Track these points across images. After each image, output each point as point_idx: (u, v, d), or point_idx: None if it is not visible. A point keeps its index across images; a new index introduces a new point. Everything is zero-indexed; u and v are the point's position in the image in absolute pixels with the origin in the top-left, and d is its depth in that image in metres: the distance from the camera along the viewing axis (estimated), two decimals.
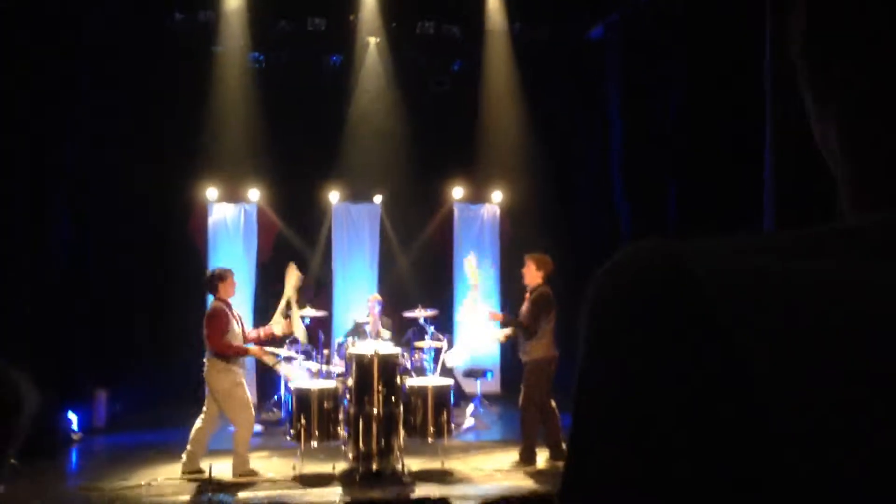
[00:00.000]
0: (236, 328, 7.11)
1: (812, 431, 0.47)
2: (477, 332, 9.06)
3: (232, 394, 6.94)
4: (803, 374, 0.47)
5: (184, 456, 7.04)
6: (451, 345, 9.07)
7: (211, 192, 11.28)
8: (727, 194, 7.69)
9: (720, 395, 0.48)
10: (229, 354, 6.95)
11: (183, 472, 7.01)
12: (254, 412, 7.27)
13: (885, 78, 0.58)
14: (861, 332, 0.48)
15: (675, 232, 8.95)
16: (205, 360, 7.04)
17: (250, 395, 10.28)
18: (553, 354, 7.28)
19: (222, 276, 7.16)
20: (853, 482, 0.46)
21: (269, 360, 7.72)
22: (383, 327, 9.52)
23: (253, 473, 7.06)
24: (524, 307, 7.39)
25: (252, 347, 7.25)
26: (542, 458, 7.43)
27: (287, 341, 9.08)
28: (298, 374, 8.21)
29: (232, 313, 7.13)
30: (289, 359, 8.49)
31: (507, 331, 7.72)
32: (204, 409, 7.07)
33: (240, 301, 10.94)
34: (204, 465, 7.03)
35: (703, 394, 0.49)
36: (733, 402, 0.48)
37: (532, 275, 7.43)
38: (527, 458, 7.36)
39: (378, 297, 9.92)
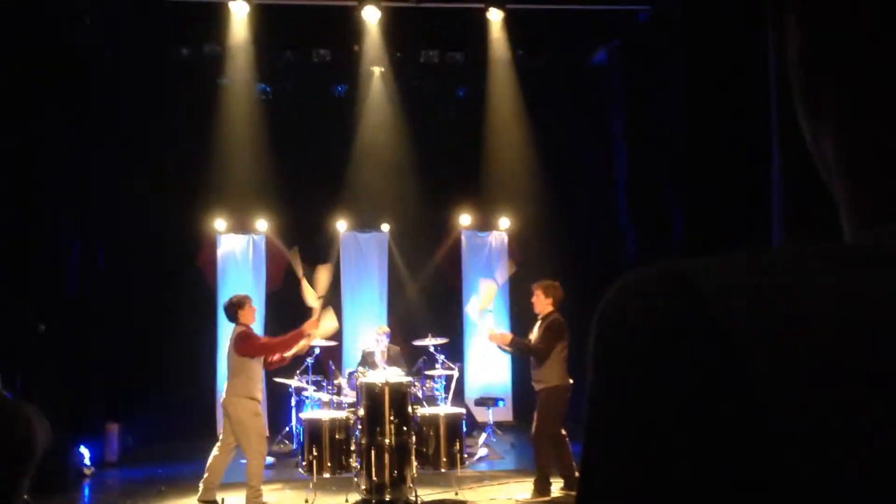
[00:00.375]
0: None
1: (812, 432, 0.47)
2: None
3: (250, 424, 6.92)
4: (803, 376, 0.48)
5: (201, 485, 7.01)
6: (461, 373, 9.03)
7: (219, 224, 11.33)
8: (733, 218, 7.68)
9: (722, 400, 0.49)
10: (285, 350, 7.09)
11: (199, 501, 6.98)
12: (267, 447, 7.25)
13: (880, 91, 0.58)
14: (861, 334, 0.48)
15: (681, 255, 8.93)
16: (225, 388, 7.03)
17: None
18: (567, 383, 7.22)
19: (240, 304, 7.17)
20: (853, 482, 0.46)
21: (322, 328, 7.53)
22: (391, 356, 9.41)
23: None
24: (536, 335, 7.35)
25: (297, 331, 7.22)
26: (557, 487, 7.37)
27: (297, 372, 9.08)
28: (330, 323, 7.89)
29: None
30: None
31: (506, 336, 7.55)
32: (220, 437, 7.05)
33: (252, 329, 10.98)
34: (217, 496, 7.00)
35: (706, 399, 0.49)
36: (734, 404, 0.48)
37: (542, 303, 7.39)
38: (541, 489, 7.28)
39: (385, 328, 9.77)
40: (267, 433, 7.17)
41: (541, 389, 7.25)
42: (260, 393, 7.05)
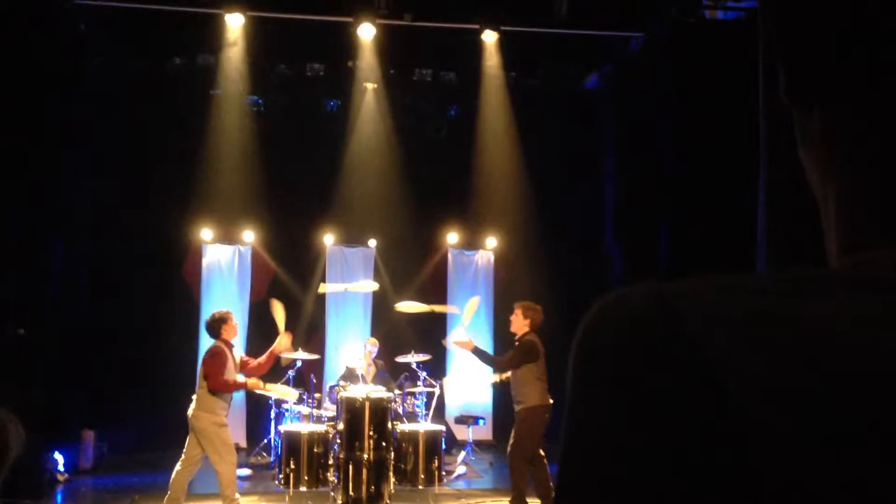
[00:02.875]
0: (233, 370, 7.06)
1: (793, 462, 0.47)
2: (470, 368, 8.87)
3: (215, 435, 6.82)
4: (783, 405, 0.47)
5: (165, 502, 6.90)
6: (442, 390, 9.01)
7: (206, 233, 11.30)
8: (719, 237, 7.73)
9: (698, 425, 0.48)
10: (228, 390, 6.90)
11: None
12: (236, 455, 7.15)
13: (864, 121, 0.58)
14: (848, 370, 0.48)
15: (666, 275, 8.96)
16: (193, 400, 6.96)
17: (241, 438, 10.25)
18: (546, 403, 7.20)
19: (224, 319, 7.10)
20: None
21: (270, 390, 7.64)
22: (378, 370, 9.40)
23: None
24: (510, 354, 7.35)
25: (250, 380, 7.19)
26: None
27: (278, 384, 9.03)
28: (291, 394, 8.10)
29: (232, 354, 7.08)
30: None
31: (468, 342, 7.53)
32: (184, 451, 6.93)
33: (233, 342, 10.91)
34: None
35: (685, 429, 0.49)
36: (710, 427, 0.48)
37: (519, 323, 7.36)
38: None
39: (375, 341, 9.83)
40: (233, 442, 7.06)
41: (520, 409, 7.22)
42: (222, 409, 6.90)
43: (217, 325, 7.08)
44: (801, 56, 0.62)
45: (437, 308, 8.17)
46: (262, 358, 7.30)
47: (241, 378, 7.12)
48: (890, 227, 0.58)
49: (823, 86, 0.61)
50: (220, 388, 6.83)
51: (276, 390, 7.66)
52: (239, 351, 7.33)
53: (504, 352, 7.81)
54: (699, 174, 8.47)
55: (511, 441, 7.23)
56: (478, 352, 7.47)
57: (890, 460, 0.46)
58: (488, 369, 10.12)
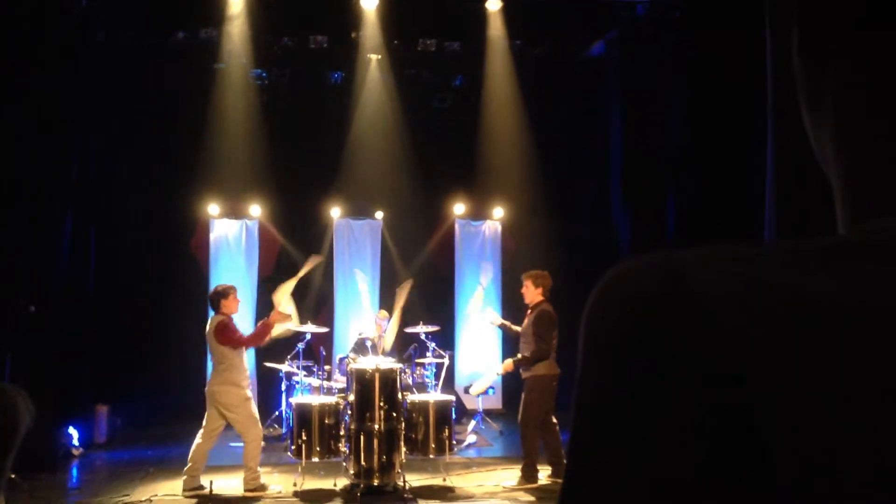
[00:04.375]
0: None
1: (808, 443, 0.46)
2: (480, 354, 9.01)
3: (242, 408, 6.95)
4: (799, 383, 0.47)
5: (185, 474, 7.01)
6: (452, 361, 9.06)
7: (213, 208, 11.31)
8: (727, 206, 7.70)
9: (714, 401, 0.48)
10: (259, 342, 7.16)
11: (184, 490, 6.98)
12: (261, 428, 7.26)
13: (880, 80, 0.57)
14: (851, 332, 0.48)
15: (674, 246, 8.95)
16: (211, 376, 7.03)
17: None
18: (555, 372, 7.23)
19: (225, 293, 7.17)
20: (847, 486, 0.46)
21: (284, 319, 7.67)
22: (387, 344, 9.48)
23: (264, 488, 7.04)
24: (525, 325, 7.36)
25: (261, 324, 7.28)
26: (544, 474, 7.40)
27: (288, 357, 9.09)
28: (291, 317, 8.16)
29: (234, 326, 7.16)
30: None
31: (509, 364, 7.55)
32: (204, 424, 7.04)
33: (241, 316, 10.97)
34: (205, 480, 7.01)
35: (697, 399, 0.49)
36: (727, 406, 0.48)
37: (531, 293, 7.39)
38: (528, 476, 7.32)
39: (386, 313, 9.93)
40: (257, 415, 7.18)
41: (528, 377, 7.27)
42: (246, 380, 7.07)
43: (218, 300, 7.15)
44: (818, 8, 0.61)
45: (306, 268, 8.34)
46: (258, 326, 7.38)
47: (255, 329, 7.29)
48: None
49: (840, 40, 0.59)
50: (247, 345, 7.02)
51: (280, 316, 7.54)
52: (247, 329, 7.41)
53: (514, 320, 7.83)
54: (707, 142, 8.42)
55: (521, 410, 7.29)
56: (519, 364, 7.41)
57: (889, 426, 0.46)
58: (497, 347, 10.22)
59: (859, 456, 0.46)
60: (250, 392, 7.13)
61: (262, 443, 8.90)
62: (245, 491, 7.00)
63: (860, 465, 0.46)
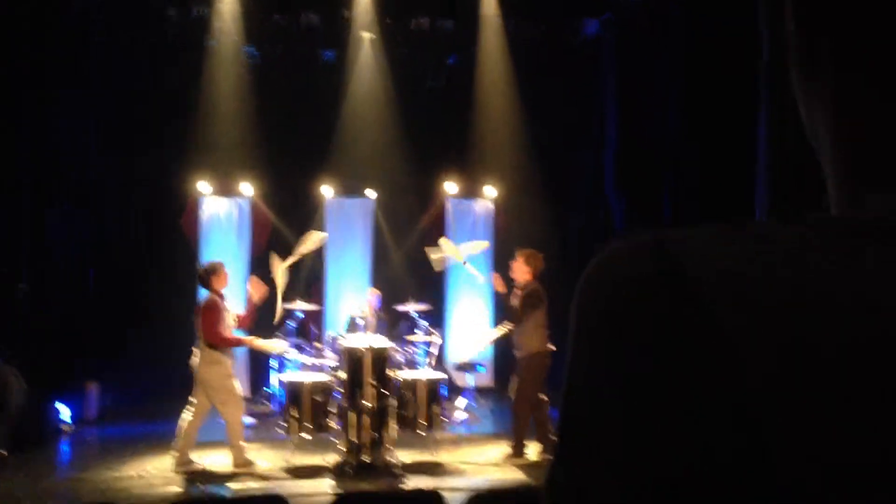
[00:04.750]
0: (230, 320, 7.12)
1: (807, 442, 0.46)
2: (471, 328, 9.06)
3: (222, 386, 6.93)
4: (799, 380, 0.47)
5: (175, 452, 7.00)
6: (443, 339, 9.10)
7: (204, 187, 11.27)
8: (721, 186, 7.71)
9: (711, 394, 0.48)
10: (223, 346, 6.95)
11: (175, 468, 6.98)
12: (244, 404, 7.26)
13: (877, 55, 0.56)
14: (842, 309, 0.47)
15: (669, 224, 8.97)
16: (195, 351, 7.03)
17: (241, 387, 10.33)
18: (546, 349, 7.28)
19: (214, 270, 7.14)
20: (844, 483, 0.45)
21: (265, 347, 7.79)
22: (378, 321, 9.48)
23: (250, 464, 7.06)
24: (514, 302, 7.40)
25: (246, 338, 7.26)
26: (533, 451, 7.45)
27: (280, 334, 9.09)
28: (279, 347, 8.28)
29: (225, 306, 7.13)
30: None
31: (496, 333, 7.59)
32: (192, 401, 7.03)
33: (233, 295, 10.95)
34: (195, 457, 7.03)
35: (694, 391, 0.48)
36: (721, 393, 0.48)
37: (521, 270, 7.41)
38: (518, 451, 7.37)
39: (377, 291, 9.97)
40: (241, 392, 7.17)
41: (522, 356, 7.31)
42: (229, 359, 7.02)
43: (207, 277, 7.11)
44: None
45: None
46: (243, 312, 7.37)
47: (237, 334, 7.18)
48: (893, 171, 0.56)
49: (836, 12, 0.58)
50: (216, 343, 6.87)
51: (264, 346, 7.73)
52: (235, 306, 7.38)
53: (506, 299, 7.86)
54: (703, 127, 8.41)
55: (514, 387, 7.32)
56: (498, 335, 7.52)
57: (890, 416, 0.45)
58: (488, 320, 10.29)
59: (858, 455, 0.45)
60: (231, 368, 7.08)
61: (253, 419, 8.96)
62: (234, 467, 7.02)
63: (859, 464, 0.45)
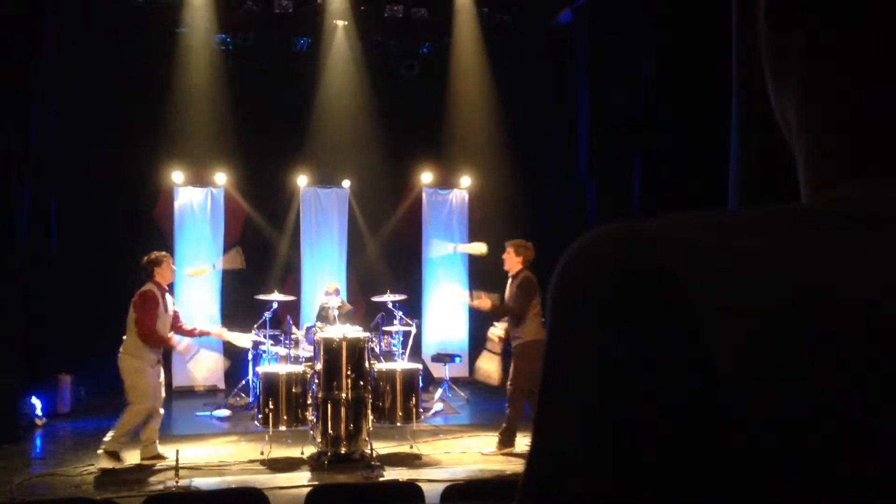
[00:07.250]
0: (166, 315, 6.94)
1: (774, 420, 0.47)
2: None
3: (132, 379, 6.78)
4: (767, 359, 0.47)
5: (105, 438, 6.83)
6: (419, 329, 9.09)
7: (177, 176, 11.15)
8: (692, 172, 7.76)
9: (683, 378, 0.48)
10: (152, 344, 6.77)
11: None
12: (154, 405, 6.89)
13: (844, 47, 0.57)
14: (811, 295, 0.48)
15: (640, 212, 9.03)
16: (123, 340, 6.89)
17: (219, 379, 10.31)
18: (542, 337, 7.25)
19: (157, 262, 6.93)
20: (813, 468, 0.46)
21: (233, 340, 7.73)
22: (344, 313, 9.38)
23: (118, 461, 6.78)
24: (508, 293, 7.39)
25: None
26: (524, 441, 7.41)
27: (255, 326, 9.04)
28: (244, 339, 8.14)
29: (164, 299, 6.96)
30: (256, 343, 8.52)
31: (486, 302, 7.53)
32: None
33: (205, 286, 10.88)
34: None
35: (666, 376, 0.49)
36: (695, 383, 0.48)
37: (512, 261, 7.42)
38: (506, 441, 7.34)
39: (336, 285, 9.92)
40: (153, 391, 6.86)
41: (518, 345, 7.30)
42: (147, 354, 6.78)
43: (150, 268, 6.93)
44: None
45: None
46: (191, 328, 7.23)
47: (171, 335, 6.98)
48: (862, 161, 0.57)
49: (807, 5, 0.59)
50: (144, 336, 6.71)
51: (232, 339, 7.66)
52: (213, 300, 7.28)
53: (485, 288, 7.85)
54: (674, 111, 8.44)
55: (510, 376, 7.30)
56: (495, 309, 7.48)
57: (855, 389, 0.46)
58: (464, 306, 10.29)
59: (820, 423, 0.46)
60: (147, 364, 6.80)
61: (228, 412, 8.91)
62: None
63: (821, 431, 0.46)
